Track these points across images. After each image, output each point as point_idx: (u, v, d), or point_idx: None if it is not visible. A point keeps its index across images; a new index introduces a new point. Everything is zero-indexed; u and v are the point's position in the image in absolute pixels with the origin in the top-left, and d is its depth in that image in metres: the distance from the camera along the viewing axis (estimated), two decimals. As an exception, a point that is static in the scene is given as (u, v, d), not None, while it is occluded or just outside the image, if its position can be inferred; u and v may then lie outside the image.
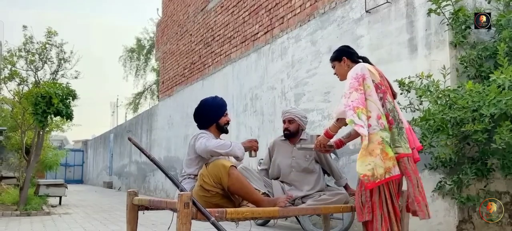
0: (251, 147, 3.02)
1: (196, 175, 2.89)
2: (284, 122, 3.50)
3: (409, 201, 2.66)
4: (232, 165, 2.68)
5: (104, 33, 62.94)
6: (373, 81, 2.69)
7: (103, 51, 61.02)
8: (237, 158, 2.93)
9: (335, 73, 3.04)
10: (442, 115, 3.32)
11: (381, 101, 2.67)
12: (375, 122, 2.58)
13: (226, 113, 3.11)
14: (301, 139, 3.45)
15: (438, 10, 3.80)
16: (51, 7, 68.78)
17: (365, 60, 2.95)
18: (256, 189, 2.97)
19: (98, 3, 63.37)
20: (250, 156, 3.08)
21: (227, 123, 3.12)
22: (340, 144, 3.13)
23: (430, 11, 3.85)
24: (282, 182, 3.40)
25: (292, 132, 3.46)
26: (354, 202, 3.11)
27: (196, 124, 3.16)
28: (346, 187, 3.55)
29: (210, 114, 3.07)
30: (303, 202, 3.26)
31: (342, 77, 2.96)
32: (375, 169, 2.49)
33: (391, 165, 2.53)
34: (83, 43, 56.79)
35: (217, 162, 2.69)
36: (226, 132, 3.12)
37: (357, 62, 2.90)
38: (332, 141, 3.06)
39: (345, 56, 2.95)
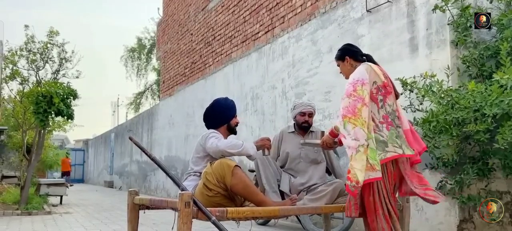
0: (264, 146, 3.06)
1: (202, 173, 2.90)
2: (302, 114, 3.44)
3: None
4: (237, 165, 2.69)
5: (105, 33, 63.06)
6: (375, 82, 2.66)
7: (104, 51, 61.08)
8: (249, 157, 2.97)
9: (340, 72, 3.04)
10: (445, 116, 3.31)
11: (381, 103, 2.66)
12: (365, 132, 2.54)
13: (236, 115, 3.17)
14: (311, 131, 3.49)
15: (444, 8, 3.79)
16: (52, 7, 68.88)
17: (369, 58, 2.94)
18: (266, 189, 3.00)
19: (99, 2, 63.43)
20: (264, 154, 3.11)
21: (236, 124, 3.17)
22: None
23: (436, 7, 3.83)
24: (288, 172, 3.41)
25: (310, 125, 3.47)
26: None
27: (204, 124, 3.19)
28: (346, 186, 3.54)
29: (222, 115, 3.12)
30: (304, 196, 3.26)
31: (347, 76, 2.93)
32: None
33: (372, 173, 2.52)
34: (84, 42, 56.89)
35: (222, 161, 2.69)
36: (235, 133, 3.17)
37: (361, 60, 2.89)
38: (336, 138, 3.07)
39: (347, 55, 2.93)
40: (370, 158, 2.49)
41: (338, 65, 3.02)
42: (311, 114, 3.46)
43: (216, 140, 2.88)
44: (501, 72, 3.09)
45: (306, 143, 3.26)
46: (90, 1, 62.75)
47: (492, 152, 3.43)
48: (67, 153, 21.73)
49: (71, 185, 17.79)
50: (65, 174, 19.61)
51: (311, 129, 3.51)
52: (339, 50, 3.02)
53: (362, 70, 2.71)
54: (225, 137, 3.07)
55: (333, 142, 3.04)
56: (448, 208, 3.79)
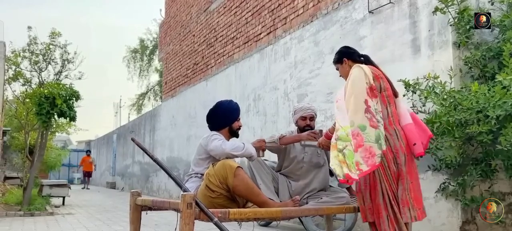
0: (260, 147, 3.12)
1: (203, 174, 2.91)
2: (303, 118, 3.44)
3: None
4: (239, 166, 2.69)
5: (107, 34, 63.19)
6: (365, 83, 2.68)
7: (106, 52, 61.21)
8: (250, 157, 3.00)
9: (340, 75, 3.06)
10: (448, 117, 3.31)
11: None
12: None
13: (239, 119, 3.18)
14: None
15: (444, 9, 3.78)
16: (53, 7, 69.10)
17: (367, 58, 2.94)
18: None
19: (101, 3, 63.60)
20: (258, 155, 3.13)
21: (239, 128, 3.18)
22: None
23: (436, 9, 3.83)
24: (288, 176, 3.40)
25: (313, 129, 3.46)
26: (355, 203, 3.11)
27: (208, 125, 3.19)
28: (350, 189, 3.54)
29: (225, 117, 3.13)
30: (306, 202, 3.26)
31: (346, 78, 2.96)
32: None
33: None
34: (86, 44, 57.05)
35: (224, 162, 2.71)
36: (237, 136, 3.18)
37: (359, 61, 2.91)
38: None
39: (345, 57, 2.98)
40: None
41: (337, 69, 3.06)
42: (312, 118, 3.46)
43: (220, 142, 2.90)
44: (504, 74, 3.08)
45: (306, 144, 3.26)
46: (91, 2, 62.95)
47: (495, 153, 3.42)
48: (87, 151, 20.06)
49: (87, 188, 16.92)
50: (87, 174, 18.06)
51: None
52: (336, 53, 3.07)
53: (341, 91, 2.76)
54: (227, 140, 3.09)
55: (329, 143, 3.05)
56: (450, 210, 3.78)
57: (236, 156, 2.87)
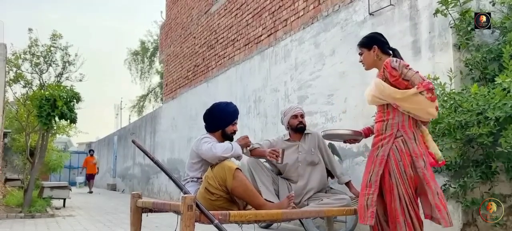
0: (245, 144, 3.07)
1: (200, 178, 2.90)
2: (295, 116, 3.42)
3: (430, 209, 2.60)
4: (237, 168, 2.69)
5: (108, 36, 63.26)
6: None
7: (106, 54, 61.29)
8: (239, 157, 2.98)
9: (360, 61, 2.84)
10: (448, 119, 3.31)
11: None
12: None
13: (235, 123, 3.09)
14: (306, 133, 3.48)
15: (445, 11, 3.79)
16: (54, 9, 69.21)
17: (395, 52, 2.76)
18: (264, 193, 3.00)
19: (101, 6, 63.70)
20: (243, 152, 3.11)
21: (234, 132, 3.09)
22: (368, 132, 3.04)
23: (437, 11, 3.83)
24: (287, 178, 3.39)
25: (305, 126, 3.45)
26: (356, 204, 3.10)
27: (204, 125, 3.17)
28: (349, 185, 3.52)
29: (219, 119, 3.07)
30: (307, 204, 3.26)
31: (368, 66, 2.77)
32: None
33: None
34: (87, 45, 57.13)
35: (223, 164, 2.71)
36: (231, 140, 3.10)
37: (387, 53, 2.73)
38: (360, 129, 3.04)
39: (376, 44, 2.71)
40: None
41: (361, 53, 2.79)
42: (302, 115, 3.46)
43: (210, 144, 2.85)
44: (503, 75, 3.08)
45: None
46: (92, 4, 63.05)
47: (495, 155, 3.41)
48: (91, 150, 18.61)
49: (90, 191, 16.26)
50: (90, 177, 16.44)
51: (306, 131, 3.49)
52: (366, 37, 2.82)
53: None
54: (219, 142, 3.04)
55: (357, 131, 3.03)
56: (451, 212, 3.77)
57: (227, 158, 2.84)
